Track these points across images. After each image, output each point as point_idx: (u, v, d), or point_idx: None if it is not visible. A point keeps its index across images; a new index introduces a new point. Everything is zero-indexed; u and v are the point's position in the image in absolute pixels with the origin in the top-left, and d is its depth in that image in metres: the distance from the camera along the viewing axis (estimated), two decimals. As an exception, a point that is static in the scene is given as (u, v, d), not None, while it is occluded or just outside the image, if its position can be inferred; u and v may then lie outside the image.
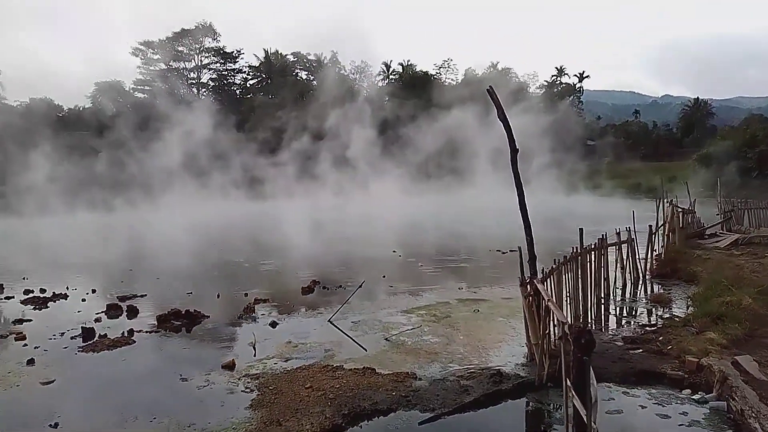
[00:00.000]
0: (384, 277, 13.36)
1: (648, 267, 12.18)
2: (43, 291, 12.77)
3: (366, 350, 8.07)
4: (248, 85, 78.94)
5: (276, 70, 74.73)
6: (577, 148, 54.41)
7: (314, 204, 33.86)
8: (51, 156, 44.39)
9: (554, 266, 8.19)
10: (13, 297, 12.44)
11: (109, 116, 55.75)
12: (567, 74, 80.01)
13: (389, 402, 6.16)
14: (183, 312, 10.05)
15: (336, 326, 9.43)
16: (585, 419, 3.97)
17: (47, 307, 11.63)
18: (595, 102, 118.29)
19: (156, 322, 9.84)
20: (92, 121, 54.94)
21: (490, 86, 7.64)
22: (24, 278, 14.46)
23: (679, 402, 5.92)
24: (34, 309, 11.36)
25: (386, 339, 8.53)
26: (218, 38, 76.40)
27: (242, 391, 6.69)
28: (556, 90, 76.52)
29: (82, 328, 9.35)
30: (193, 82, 76.95)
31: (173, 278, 14.46)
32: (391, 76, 76.90)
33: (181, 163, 40.49)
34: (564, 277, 8.65)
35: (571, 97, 76.74)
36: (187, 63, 76.98)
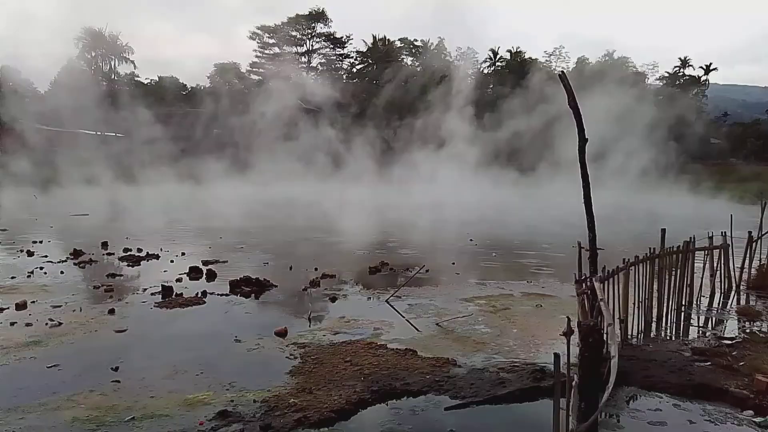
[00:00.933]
0: (453, 263, 13.21)
1: (745, 276, 11.04)
2: (139, 250, 14.01)
3: (420, 331, 8.08)
4: (354, 70, 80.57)
5: (381, 56, 75.57)
6: (695, 146, 50.23)
7: (404, 188, 34.06)
8: (171, 130, 48.21)
9: (621, 265, 7.68)
10: (113, 254, 13.76)
11: (224, 95, 59.07)
12: (692, 66, 73.47)
13: (421, 384, 6.13)
14: (253, 280, 10.59)
15: (392, 306, 9.51)
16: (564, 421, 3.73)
17: (139, 265, 12.75)
18: (725, 98, 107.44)
19: (228, 287, 10.47)
20: (209, 99, 58.66)
21: (561, 71, 7.25)
22: (126, 238, 15.93)
23: (735, 422, 5.35)
24: (128, 266, 12.52)
25: (437, 324, 8.47)
26: (330, 24, 78.49)
27: (287, 357, 6.96)
28: (678, 82, 70.76)
29: (162, 286, 10.15)
30: (303, 66, 79.80)
31: (255, 248, 15.28)
32: (497, 63, 75.05)
33: (282, 141, 42.46)
34: (635, 279, 8.10)
35: (695, 90, 70.63)
36: (299, 47, 79.93)
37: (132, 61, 63.91)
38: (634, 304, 8.08)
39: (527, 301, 9.95)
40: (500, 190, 33.34)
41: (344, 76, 77.62)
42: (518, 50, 74.61)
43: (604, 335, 5.54)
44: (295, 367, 6.62)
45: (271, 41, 77.61)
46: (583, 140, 7.15)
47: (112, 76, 65.03)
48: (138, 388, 5.98)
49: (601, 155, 30.69)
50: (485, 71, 74.52)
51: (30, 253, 13.58)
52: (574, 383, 4.27)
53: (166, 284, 10.18)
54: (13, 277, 10.96)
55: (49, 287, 10.32)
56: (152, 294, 9.95)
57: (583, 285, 6.68)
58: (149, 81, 70.56)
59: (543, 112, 37.89)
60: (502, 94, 51.45)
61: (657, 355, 7.11)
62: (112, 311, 8.78)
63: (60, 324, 8.06)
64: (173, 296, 9.83)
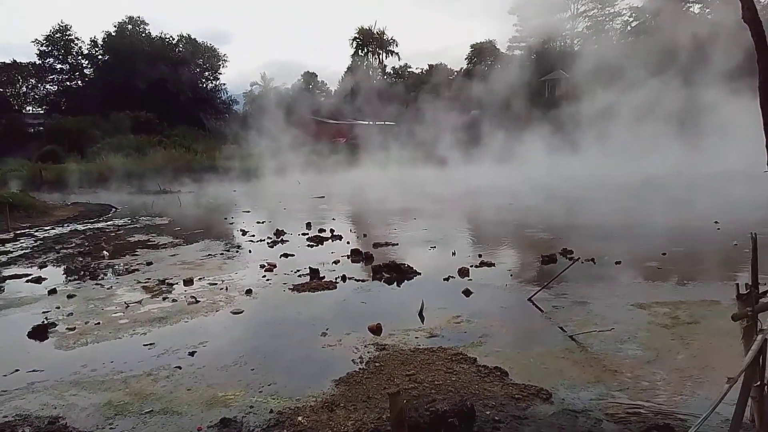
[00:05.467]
0: (664, 254, 10.17)
1: None
2: (332, 231, 14.48)
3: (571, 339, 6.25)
4: (628, 29, 71.60)
5: (661, 8, 65.31)
6: None
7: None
8: (432, 114, 50.00)
9: None
10: (307, 234, 14.50)
11: (479, 76, 58.79)
12: None
13: (470, 422, 4.55)
14: (395, 266, 9.82)
15: (536, 305, 7.68)
16: None
17: (321, 245, 13.11)
18: None
19: (372, 273, 9.92)
20: (467, 81, 59.11)
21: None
22: (333, 219, 16.73)
23: None
24: (308, 246, 12.97)
25: (570, 337, 6.42)
26: (600, -19, 71.34)
27: (352, 360, 6.05)
28: None
29: (310, 268, 10.14)
30: (567, 32, 74.40)
31: (442, 231, 14.42)
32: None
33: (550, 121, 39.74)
34: None
35: None
36: (563, 14, 74.77)
37: (397, 54, 68.29)
38: None
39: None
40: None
41: (613, 38, 69.63)
42: None
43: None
44: (349, 373, 5.68)
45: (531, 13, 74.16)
46: (765, 70, 4.42)
47: (386, 69, 71.17)
48: (188, 377, 5.83)
49: None
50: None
51: (244, 233, 15.26)
52: None
53: (312, 266, 10.13)
54: (208, 255, 12.34)
55: (226, 265, 11.26)
56: (300, 275, 10.00)
57: (748, 303, 4.12)
58: (420, 70, 75.23)
59: None
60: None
61: None
62: (249, 291, 9.04)
63: (197, 302, 8.57)
64: (318, 279, 9.71)
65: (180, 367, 6.08)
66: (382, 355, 6.11)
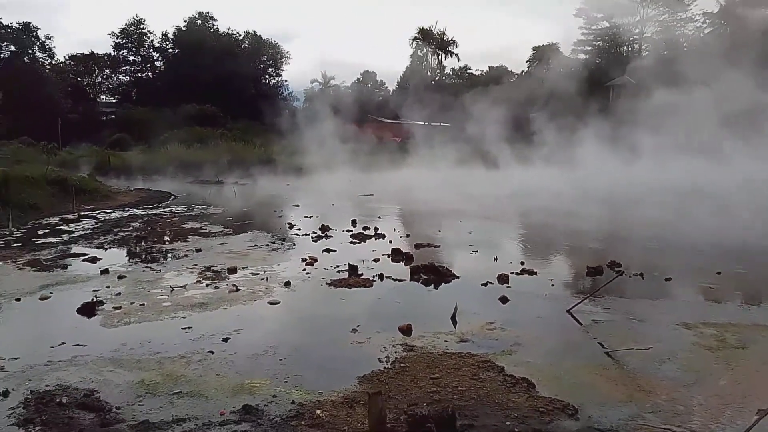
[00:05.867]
0: (719, 273, 9.64)
1: None
2: (376, 229, 14.51)
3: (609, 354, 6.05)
4: (701, 36, 68.29)
5: (737, 12, 61.95)
6: None
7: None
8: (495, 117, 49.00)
9: None
10: (351, 230, 14.59)
11: (541, 80, 57.36)
12: None
13: (488, 431, 4.46)
14: (433, 267, 9.74)
15: (575, 318, 7.44)
16: None
17: (364, 242, 13.15)
18: None
19: (409, 273, 9.89)
20: (527, 84, 57.82)
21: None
22: (378, 217, 16.75)
23: None
24: (351, 243, 13.05)
25: (606, 352, 6.18)
26: (671, -16, 68.34)
27: (379, 359, 6.04)
28: None
29: (349, 264, 10.20)
30: (636, 37, 71.67)
31: (487, 234, 14.20)
32: None
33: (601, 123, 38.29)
34: None
35: None
36: (630, 17, 72.11)
37: (456, 55, 67.70)
38: None
39: (791, 341, 6.48)
40: None
41: (685, 45, 66.53)
42: None
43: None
44: (374, 372, 5.69)
45: (599, 15, 71.89)
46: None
47: (445, 70, 70.94)
48: (218, 362, 5.99)
49: None
50: None
51: (291, 226, 15.54)
52: None
53: (351, 263, 10.18)
54: (255, 246, 12.63)
55: (270, 256, 11.50)
56: (338, 271, 10.07)
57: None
58: (480, 72, 74.47)
59: None
60: None
61: None
62: (288, 283, 9.19)
63: (237, 290, 8.79)
64: (356, 275, 9.76)
65: (212, 352, 6.25)
66: (409, 356, 6.08)
